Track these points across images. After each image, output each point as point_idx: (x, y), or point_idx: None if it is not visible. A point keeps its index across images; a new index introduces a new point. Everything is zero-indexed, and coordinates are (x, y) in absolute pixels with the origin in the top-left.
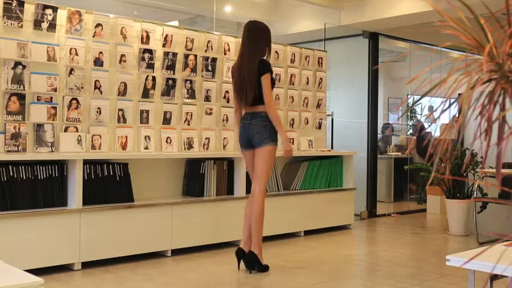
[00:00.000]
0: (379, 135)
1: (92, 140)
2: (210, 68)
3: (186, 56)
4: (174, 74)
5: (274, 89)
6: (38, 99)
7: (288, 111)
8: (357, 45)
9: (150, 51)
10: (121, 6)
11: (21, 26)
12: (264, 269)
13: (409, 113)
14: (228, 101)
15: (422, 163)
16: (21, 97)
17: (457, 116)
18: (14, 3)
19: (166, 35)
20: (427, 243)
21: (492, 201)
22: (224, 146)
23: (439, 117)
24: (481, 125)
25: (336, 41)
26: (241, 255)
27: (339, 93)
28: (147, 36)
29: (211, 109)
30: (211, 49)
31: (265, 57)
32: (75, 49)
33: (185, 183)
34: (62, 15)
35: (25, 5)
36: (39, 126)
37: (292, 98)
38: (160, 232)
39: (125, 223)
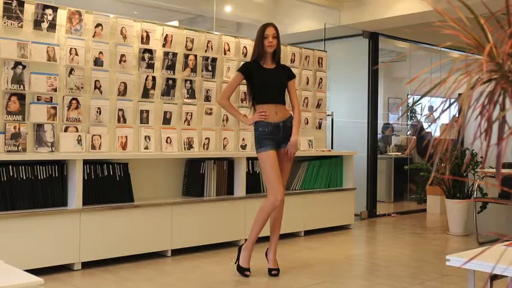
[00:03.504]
0: (379, 135)
1: (92, 140)
2: (210, 68)
3: (186, 56)
4: (174, 74)
5: None
6: (38, 99)
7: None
8: (356, 45)
9: (150, 51)
10: (121, 6)
11: (21, 26)
12: (238, 269)
13: (409, 113)
14: None
15: (422, 163)
16: (21, 97)
17: (457, 116)
18: (14, 3)
19: (166, 35)
20: (427, 243)
21: (492, 201)
22: (224, 146)
23: (439, 117)
24: (481, 125)
25: (336, 41)
26: None
27: (339, 93)
28: (147, 36)
29: (211, 109)
30: (211, 49)
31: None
32: (75, 49)
33: (185, 183)
34: (62, 15)
35: (25, 5)
36: (39, 126)
37: None
38: (160, 232)
39: (125, 223)
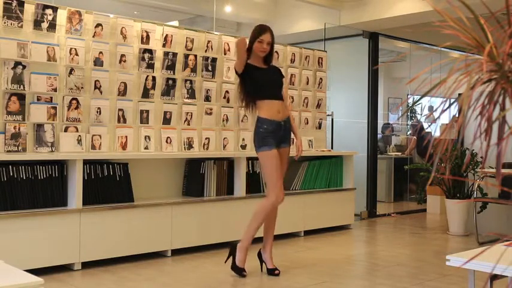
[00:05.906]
0: (379, 135)
1: (92, 140)
2: (210, 68)
3: (186, 56)
4: (174, 74)
5: None
6: (38, 99)
7: None
8: (357, 45)
9: (150, 51)
10: (121, 6)
11: (21, 26)
12: (235, 268)
13: (409, 113)
14: (228, 101)
15: (422, 163)
16: (21, 97)
17: (457, 116)
18: (14, 3)
19: (166, 35)
20: (427, 243)
21: (492, 201)
22: (224, 146)
23: (439, 117)
24: (481, 125)
25: (336, 41)
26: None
27: (339, 93)
28: (147, 36)
29: (211, 109)
30: (211, 49)
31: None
32: (75, 49)
33: (185, 183)
34: (62, 15)
35: (25, 5)
36: (39, 126)
37: (292, 98)
38: (160, 232)
39: (125, 223)
